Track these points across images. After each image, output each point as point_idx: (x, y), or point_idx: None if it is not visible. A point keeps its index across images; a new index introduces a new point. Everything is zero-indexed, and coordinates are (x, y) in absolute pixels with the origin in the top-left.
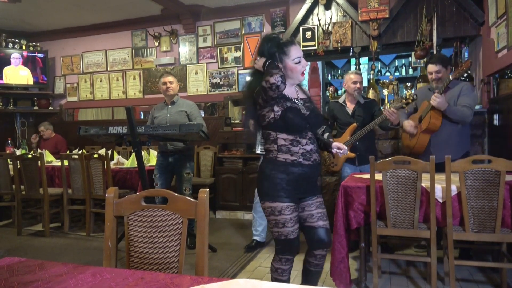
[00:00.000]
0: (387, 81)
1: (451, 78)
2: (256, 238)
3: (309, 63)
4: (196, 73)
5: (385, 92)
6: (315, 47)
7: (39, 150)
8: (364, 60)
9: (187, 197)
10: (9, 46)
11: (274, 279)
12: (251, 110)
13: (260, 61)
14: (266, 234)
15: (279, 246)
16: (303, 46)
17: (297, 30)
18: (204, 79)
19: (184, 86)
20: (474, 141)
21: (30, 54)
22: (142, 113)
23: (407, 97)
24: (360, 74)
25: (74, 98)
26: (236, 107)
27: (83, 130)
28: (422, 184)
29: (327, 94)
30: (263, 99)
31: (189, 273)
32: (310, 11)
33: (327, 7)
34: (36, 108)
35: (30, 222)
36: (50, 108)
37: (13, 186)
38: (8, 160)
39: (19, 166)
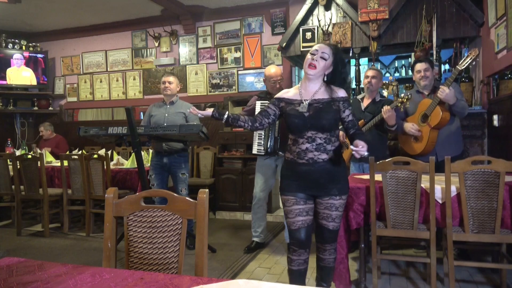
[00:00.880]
0: (387, 82)
1: (459, 68)
2: (255, 239)
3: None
4: (196, 73)
5: (385, 93)
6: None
7: (39, 151)
8: (364, 61)
9: (187, 198)
10: (9, 47)
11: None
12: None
13: None
14: (266, 235)
15: (289, 234)
16: (303, 47)
17: (297, 31)
18: (204, 80)
19: (184, 87)
20: (473, 142)
21: (32, 54)
22: (142, 113)
23: (402, 97)
24: (377, 70)
25: (74, 99)
26: (236, 108)
27: (83, 130)
28: (422, 185)
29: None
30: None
31: (188, 273)
32: (310, 12)
33: (327, 7)
34: (36, 108)
35: (30, 223)
36: (50, 108)
37: (13, 187)
38: (8, 160)
39: (18, 167)
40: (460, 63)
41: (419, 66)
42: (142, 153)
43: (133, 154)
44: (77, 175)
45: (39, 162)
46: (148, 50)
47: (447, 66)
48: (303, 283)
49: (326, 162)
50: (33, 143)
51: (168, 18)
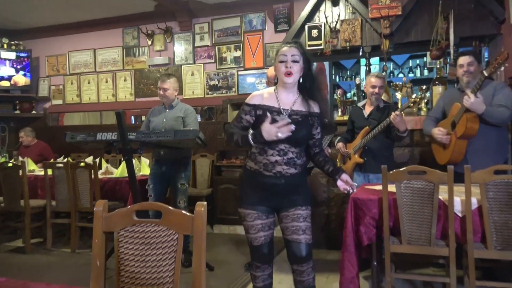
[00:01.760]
0: (400, 83)
1: (485, 74)
2: None
3: (314, 63)
4: (192, 74)
5: (398, 95)
6: (322, 47)
7: (20, 158)
8: (375, 60)
9: (183, 211)
10: None
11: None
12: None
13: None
14: None
15: (250, 251)
16: (309, 46)
17: (302, 28)
18: (201, 81)
19: (179, 88)
20: None
21: (19, 53)
22: (133, 117)
23: (415, 97)
24: (382, 78)
25: (60, 101)
26: (236, 111)
27: (69, 136)
28: (440, 197)
29: (335, 97)
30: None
31: None
32: (316, 8)
33: (335, 3)
34: (18, 112)
35: (9, 238)
36: (33, 112)
37: None
38: None
39: None
40: (486, 67)
41: (462, 60)
42: (134, 161)
43: (123, 163)
44: (62, 185)
45: (20, 171)
46: (141, 48)
47: None
48: None
49: (293, 176)
50: (15, 150)
51: (162, 14)
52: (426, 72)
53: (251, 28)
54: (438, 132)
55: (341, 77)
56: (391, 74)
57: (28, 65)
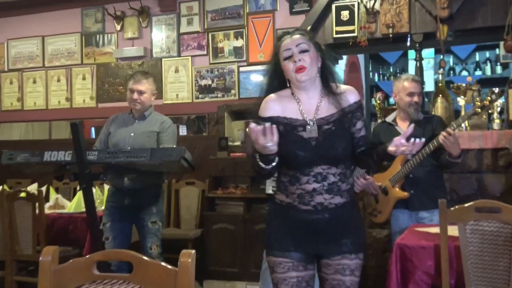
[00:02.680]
0: (464, 84)
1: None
2: None
3: (344, 56)
4: (177, 70)
5: (461, 101)
6: (355, 34)
7: None
8: (428, 53)
9: (162, 262)
10: None
11: None
12: None
13: None
14: None
15: None
16: (337, 32)
17: (327, 8)
18: (188, 80)
19: (158, 91)
20: None
21: None
22: (94, 130)
23: (481, 100)
24: (419, 82)
25: None
26: (237, 122)
27: (6, 156)
28: None
29: (373, 103)
30: None
31: None
32: None
33: None
34: None
35: None
36: None
37: None
38: None
39: None
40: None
41: None
42: (94, 190)
43: (79, 193)
44: None
45: None
46: (106, 36)
47: None
48: None
49: (340, 208)
50: None
51: None
52: (499, 69)
53: (257, 9)
54: None
55: (381, 76)
56: (451, 72)
57: None
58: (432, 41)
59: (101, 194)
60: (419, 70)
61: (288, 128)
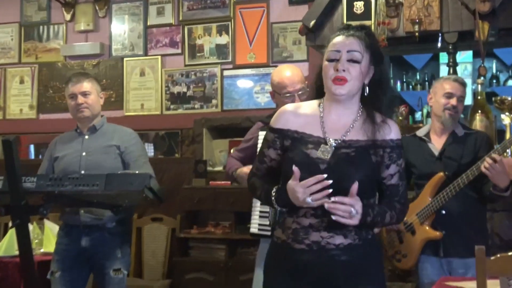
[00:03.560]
0: (510, 98)
1: None
2: None
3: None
4: (142, 73)
5: (506, 118)
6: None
7: None
8: (464, 56)
9: None
10: None
11: None
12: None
13: None
14: None
15: None
16: None
17: (336, 0)
18: (157, 86)
19: (118, 99)
20: None
21: None
22: (33, 148)
23: None
24: (463, 85)
25: None
26: (219, 141)
27: None
28: None
29: (394, 117)
30: None
31: None
32: None
33: None
34: None
35: None
36: None
37: None
38: None
39: None
40: None
41: None
42: (31, 228)
43: (11, 230)
44: None
45: None
46: (52, 28)
47: None
48: None
49: (343, 251)
50: None
51: None
52: None
53: None
54: None
55: (405, 84)
56: (494, 81)
57: None
58: (469, 42)
59: (39, 233)
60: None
61: (295, 144)
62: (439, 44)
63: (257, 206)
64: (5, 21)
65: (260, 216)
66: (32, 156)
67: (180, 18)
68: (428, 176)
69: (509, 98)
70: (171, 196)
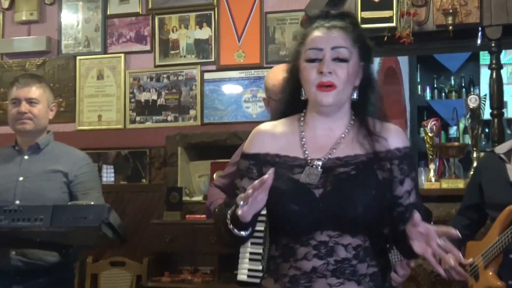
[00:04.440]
0: None
1: None
2: None
3: (376, 60)
4: (101, 76)
5: None
6: (393, 24)
7: None
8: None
9: None
10: None
11: None
12: None
13: None
14: None
15: None
16: (363, 21)
17: None
18: (120, 92)
19: (69, 109)
20: None
21: None
22: None
23: None
24: None
25: None
26: (199, 163)
27: None
28: None
29: (421, 134)
30: None
31: None
32: None
33: None
34: None
35: None
36: None
37: None
38: None
39: None
40: None
41: None
42: None
43: None
44: None
45: None
46: None
47: None
48: None
49: None
50: None
51: None
52: None
53: None
54: None
55: (435, 91)
56: None
57: None
58: None
59: None
60: (496, 83)
61: (279, 170)
62: (478, 41)
63: (247, 247)
64: None
65: (251, 260)
66: None
67: (149, 6)
68: (501, 207)
69: None
70: (136, 233)
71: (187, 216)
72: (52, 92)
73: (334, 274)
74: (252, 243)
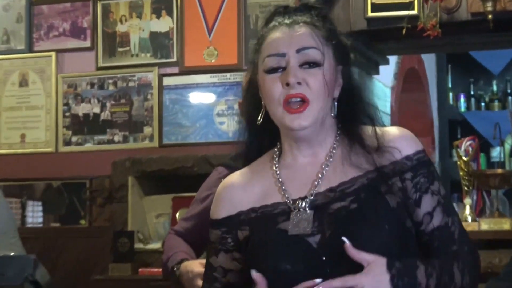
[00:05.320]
0: None
1: None
2: None
3: (392, 60)
4: (24, 82)
5: None
6: (414, 12)
7: None
8: None
9: None
10: None
11: None
12: None
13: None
14: None
15: None
16: (374, 8)
17: None
18: (50, 103)
19: None
20: None
21: None
22: None
23: None
24: None
25: None
26: (156, 198)
27: None
28: None
29: (453, 157)
30: None
31: None
32: None
33: None
34: None
35: None
36: None
37: None
38: None
39: None
40: None
41: None
42: None
43: None
44: None
45: None
46: None
47: None
48: None
49: None
50: None
51: None
52: None
53: None
54: None
55: (472, 100)
56: None
57: None
58: None
59: None
60: None
61: (259, 227)
62: None
63: None
64: None
65: None
66: None
67: None
68: None
69: None
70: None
71: (140, 270)
72: None
73: None
74: None
